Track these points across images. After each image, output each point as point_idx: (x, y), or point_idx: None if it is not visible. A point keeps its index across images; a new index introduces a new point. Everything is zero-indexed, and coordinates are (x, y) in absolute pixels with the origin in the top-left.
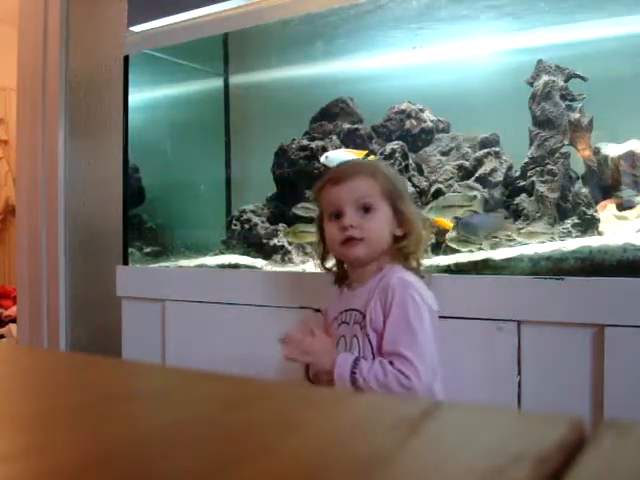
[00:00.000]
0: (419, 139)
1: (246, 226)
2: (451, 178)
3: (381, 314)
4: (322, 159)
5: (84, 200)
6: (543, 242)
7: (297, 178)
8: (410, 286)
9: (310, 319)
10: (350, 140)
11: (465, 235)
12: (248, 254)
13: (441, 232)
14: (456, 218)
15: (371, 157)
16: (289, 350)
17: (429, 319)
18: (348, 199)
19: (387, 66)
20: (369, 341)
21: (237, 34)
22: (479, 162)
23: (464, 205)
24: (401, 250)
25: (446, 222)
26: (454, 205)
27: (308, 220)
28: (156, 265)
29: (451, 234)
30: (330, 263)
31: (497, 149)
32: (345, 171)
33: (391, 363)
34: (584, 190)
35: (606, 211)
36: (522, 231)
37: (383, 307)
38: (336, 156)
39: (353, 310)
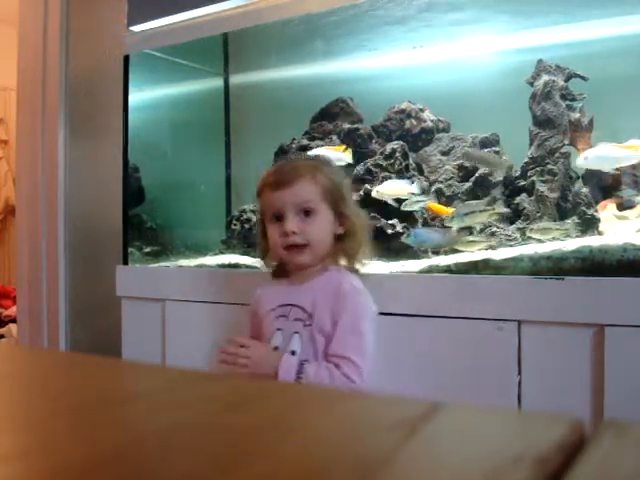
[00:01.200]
0: (419, 139)
1: (246, 226)
2: (451, 178)
3: (329, 317)
4: None
5: (84, 200)
6: (555, 239)
7: None
8: (361, 293)
9: (235, 336)
10: (350, 140)
11: (418, 245)
12: (248, 254)
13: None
14: (407, 228)
15: (347, 152)
16: (229, 358)
17: (373, 323)
18: (289, 204)
19: (387, 66)
20: (314, 343)
21: (237, 34)
22: None
23: (486, 209)
24: (345, 251)
25: (442, 208)
26: (475, 211)
27: None
28: (156, 265)
29: (449, 218)
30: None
31: (497, 149)
32: (286, 175)
33: (337, 366)
34: (584, 190)
35: (606, 211)
36: (534, 227)
37: (332, 312)
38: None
39: (294, 306)
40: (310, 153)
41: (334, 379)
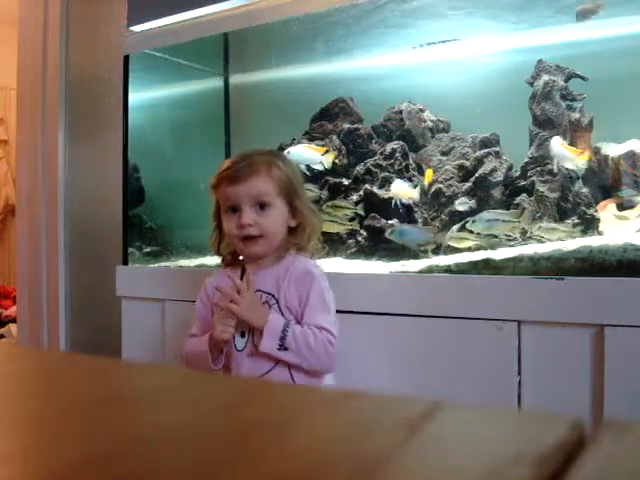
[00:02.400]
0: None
1: None
2: (451, 178)
3: (296, 297)
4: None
5: (84, 200)
6: (562, 239)
7: None
8: (323, 274)
9: (247, 273)
10: (350, 140)
11: (401, 242)
12: None
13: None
14: (391, 225)
15: (330, 155)
16: (222, 301)
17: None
18: (245, 198)
19: (387, 66)
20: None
21: (237, 34)
22: (479, 162)
23: (512, 221)
24: (296, 242)
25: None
26: (499, 220)
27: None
28: (156, 265)
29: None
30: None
31: (497, 149)
32: (242, 170)
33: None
34: (584, 190)
35: (606, 211)
36: (542, 226)
37: (298, 291)
38: (297, 152)
39: (258, 291)
40: (289, 149)
41: (317, 339)
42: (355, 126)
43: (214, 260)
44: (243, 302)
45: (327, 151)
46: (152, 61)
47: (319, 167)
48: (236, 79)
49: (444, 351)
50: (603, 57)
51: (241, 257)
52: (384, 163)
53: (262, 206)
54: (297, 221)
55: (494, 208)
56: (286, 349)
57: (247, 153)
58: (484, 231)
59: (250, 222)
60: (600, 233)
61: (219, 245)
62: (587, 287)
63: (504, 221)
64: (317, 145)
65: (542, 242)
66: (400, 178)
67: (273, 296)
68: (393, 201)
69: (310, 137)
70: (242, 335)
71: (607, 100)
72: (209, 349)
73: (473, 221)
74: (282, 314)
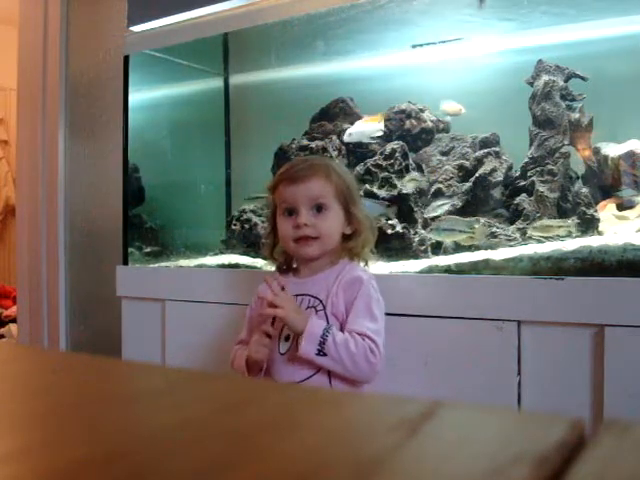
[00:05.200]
0: (419, 139)
1: (246, 226)
2: (451, 178)
3: (343, 303)
4: (345, 137)
5: (84, 200)
6: (558, 237)
7: None
8: (374, 284)
9: (279, 278)
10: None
11: None
12: (248, 254)
13: None
14: None
15: (381, 120)
16: (264, 308)
17: (383, 313)
18: (303, 199)
19: (387, 66)
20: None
21: (237, 34)
22: (479, 162)
23: (465, 232)
24: (350, 249)
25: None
26: (455, 230)
27: None
28: (156, 265)
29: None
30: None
31: (497, 149)
32: (301, 171)
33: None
34: (584, 190)
35: (606, 211)
36: (537, 224)
37: (348, 297)
38: (358, 130)
39: (306, 295)
40: (349, 131)
41: (358, 345)
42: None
43: (214, 260)
44: (287, 305)
45: (382, 118)
46: (152, 61)
47: (380, 133)
48: (236, 79)
49: (444, 351)
50: (603, 57)
51: (294, 264)
52: (384, 163)
53: (319, 209)
54: (352, 228)
55: (493, 209)
56: (325, 354)
57: (306, 157)
58: (444, 239)
59: (307, 222)
60: (600, 233)
61: (272, 249)
62: (587, 287)
63: (460, 231)
64: (369, 116)
65: (542, 242)
66: (370, 196)
67: (321, 302)
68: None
69: (310, 137)
70: (286, 339)
71: (607, 100)
72: (246, 366)
73: (436, 228)
74: (327, 320)
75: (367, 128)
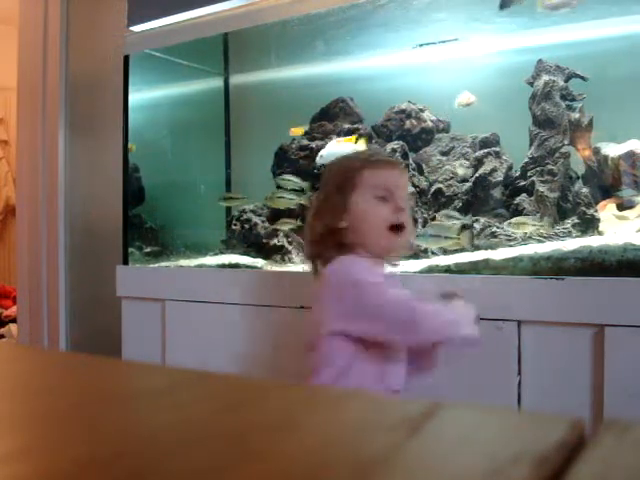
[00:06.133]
0: (419, 139)
1: (246, 226)
2: (451, 178)
3: None
4: (318, 159)
5: (84, 200)
6: (536, 234)
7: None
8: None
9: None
10: None
11: None
12: (248, 254)
13: None
14: None
15: (362, 140)
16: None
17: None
18: (402, 185)
19: (387, 66)
20: None
21: (237, 34)
22: (479, 162)
23: (451, 238)
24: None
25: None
26: (440, 236)
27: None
28: (156, 265)
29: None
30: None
31: (497, 149)
32: (395, 160)
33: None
34: (584, 190)
35: (606, 211)
36: (512, 221)
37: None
38: (330, 151)
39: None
40: (321, 153)
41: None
42: (355, 126)
43: (214, 260)
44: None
45: (358, 137)
46: (152, 61)
47: None
48: (236, 79)
49: (443, 351)
50: (603, 57)
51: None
52: None
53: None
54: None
55: (494, 209)
56: None
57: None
58: (430, 245)
59: (406, 207)
60: (600, 233)
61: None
62: (587, 287)
63: (445, 237)
64: (344, 137)
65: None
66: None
67: None
68: None
69: (310, 137)
70: None
71: (607, 100)
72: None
73: (423, 234)
74: None
75: (340, 149)
